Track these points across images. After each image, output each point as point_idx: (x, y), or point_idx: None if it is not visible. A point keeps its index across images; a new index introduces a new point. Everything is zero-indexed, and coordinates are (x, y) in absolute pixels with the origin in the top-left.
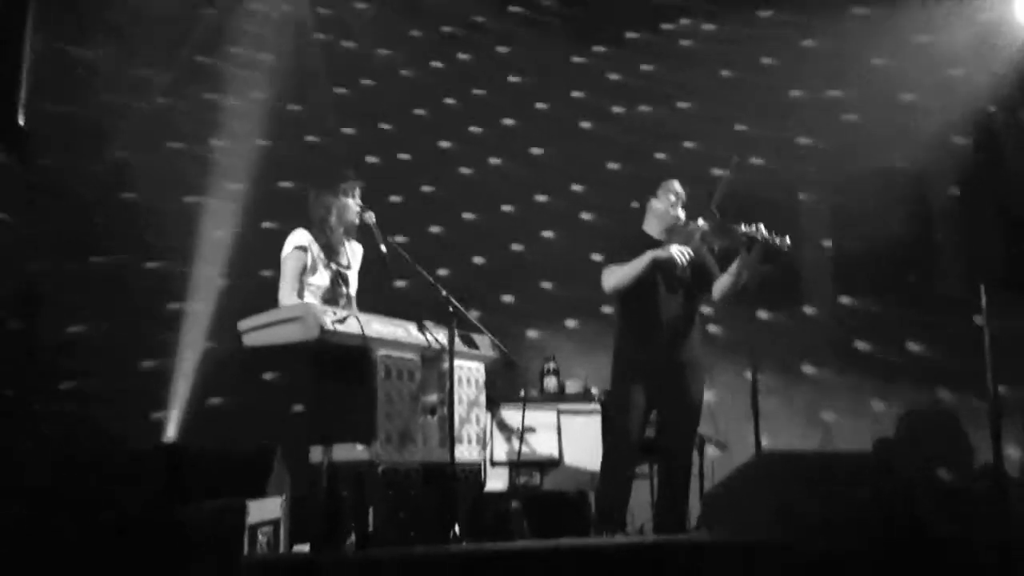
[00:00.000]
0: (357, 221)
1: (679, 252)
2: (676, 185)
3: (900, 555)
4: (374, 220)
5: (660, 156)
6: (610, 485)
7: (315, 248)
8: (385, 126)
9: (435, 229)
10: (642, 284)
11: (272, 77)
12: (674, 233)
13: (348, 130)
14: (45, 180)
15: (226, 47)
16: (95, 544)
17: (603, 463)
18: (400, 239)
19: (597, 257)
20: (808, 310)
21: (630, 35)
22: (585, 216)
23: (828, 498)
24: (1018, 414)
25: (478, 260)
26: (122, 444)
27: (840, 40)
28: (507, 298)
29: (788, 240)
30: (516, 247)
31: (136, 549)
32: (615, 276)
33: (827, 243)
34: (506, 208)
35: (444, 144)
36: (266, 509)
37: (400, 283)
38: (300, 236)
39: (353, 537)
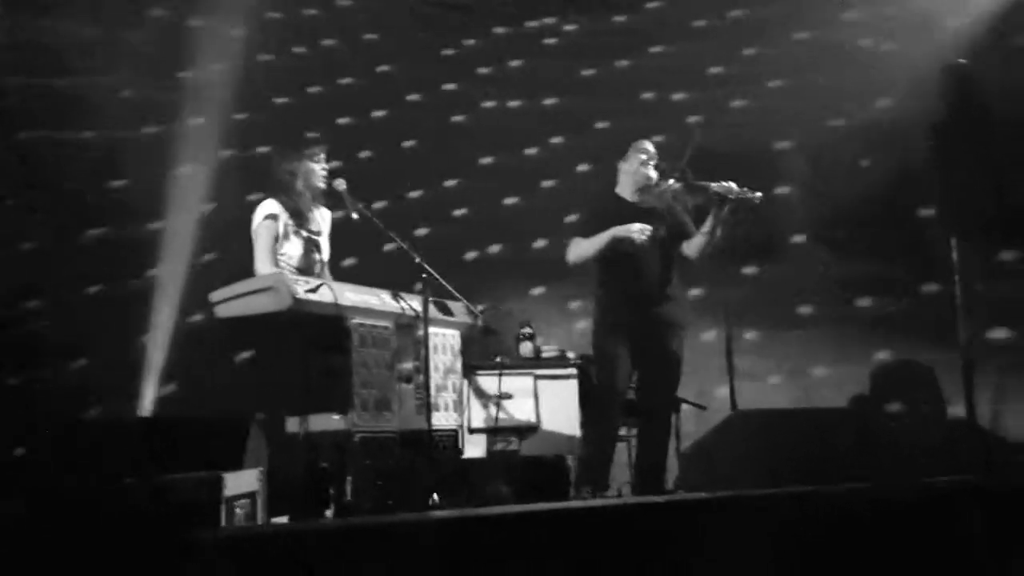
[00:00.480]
0: (323, 186)
1: (639, 231)
2: (647, 145)
3: (878, 509)
4: (345, 187)
5: (530, 151)
6: (594, 445)
7: (284, 216)
8: (241, 116)
9: None
10: (617, 249)
11: None
12: (646, 193)
13: (197, 120)
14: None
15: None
16: (71, 517)
17: (587, 423)
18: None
19: (471, 255)
20: (783, 264)
21: (498, 30)
22: (457, 212)
23: (804, 454)
24: (990, 366)
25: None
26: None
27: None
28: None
29: (759, 194)
30: (388, 247)
31: (110, 521)
32: (577, 250)
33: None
34: (378, 204)
35: (310, 135)
36: (243, 481)
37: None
38: (269, 205)
39: (332, 506)
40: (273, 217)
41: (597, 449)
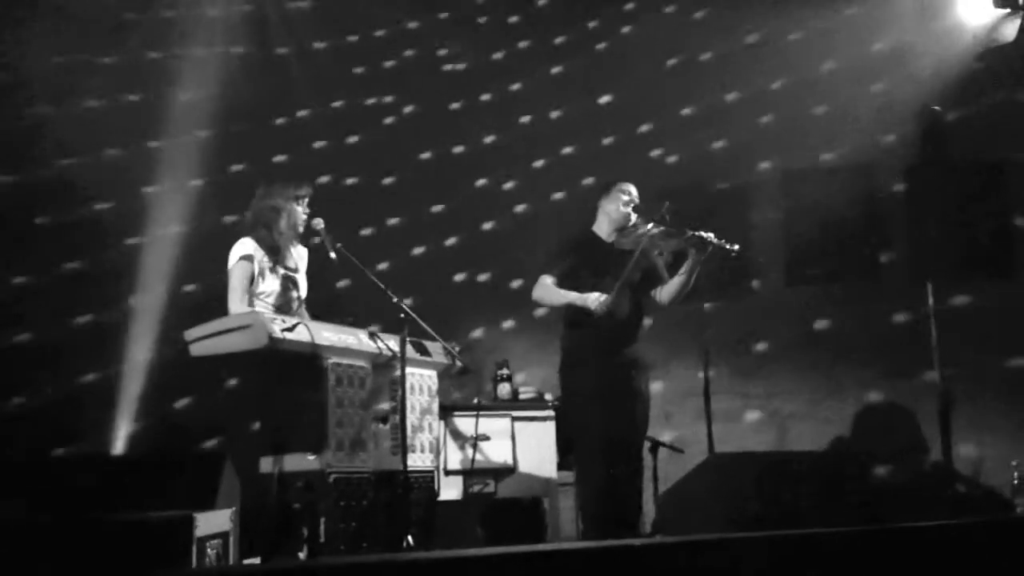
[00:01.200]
0: (302, 228)
1: (596, 302)
2: (630, 187)
3: (853, 550)
4: (323, 226)
5: (436, 208)
6: (589, 491)
7: (260, 254)
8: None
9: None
10: (589, 288)
11: None
12: (624, 235)
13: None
14: None
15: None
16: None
17: (577, 466)
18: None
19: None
20: (757, 301)
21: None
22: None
23: (780, 497)
24: (966, 404)
25: None
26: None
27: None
28: None
29: (737, 246)
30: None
31: (79, 560)
32: (541, 293)
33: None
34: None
35: (196, 182)
36: (215, 521)
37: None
38: (245, 245)
39: (305, 547)
40: (248, 258)
41: (593, 493)
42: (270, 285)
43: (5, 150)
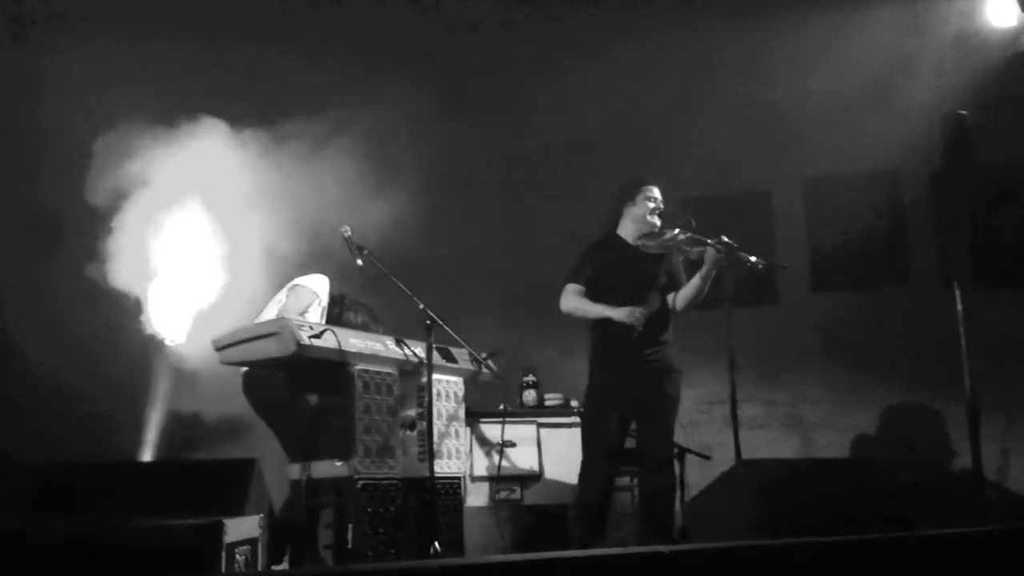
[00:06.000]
0: None
1: (633, 319)
2: (655, 191)
3: (880, 557)
4: (349, 233)
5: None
6: (588, 495)
7: None
8: None
9: None
10: (616, 291)
11: None
12: (650, 240)
13: None
14: None
15: None
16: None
17: (581, 472)
18: None
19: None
20: (783, 310)
21: None
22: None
23: (807, 502)
24: (996, 412)
25: None
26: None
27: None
28: None
29: (764, 261)
30: None
31: (108, 565)
32: (570, 303)
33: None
34: None
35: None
36: (244, 527)
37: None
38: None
39: (333, 553)
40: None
41: (590, 499)
42: None
43: None
